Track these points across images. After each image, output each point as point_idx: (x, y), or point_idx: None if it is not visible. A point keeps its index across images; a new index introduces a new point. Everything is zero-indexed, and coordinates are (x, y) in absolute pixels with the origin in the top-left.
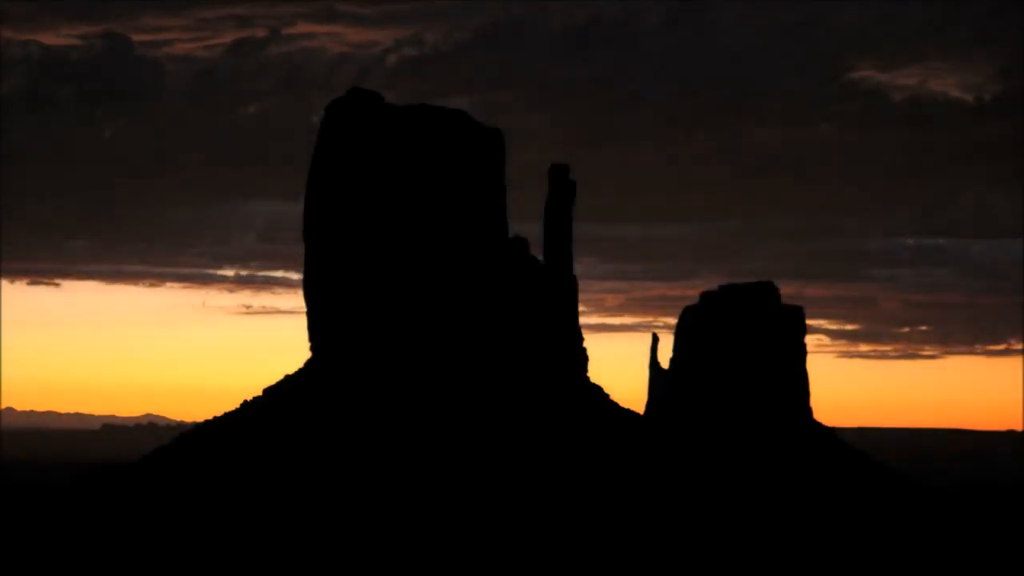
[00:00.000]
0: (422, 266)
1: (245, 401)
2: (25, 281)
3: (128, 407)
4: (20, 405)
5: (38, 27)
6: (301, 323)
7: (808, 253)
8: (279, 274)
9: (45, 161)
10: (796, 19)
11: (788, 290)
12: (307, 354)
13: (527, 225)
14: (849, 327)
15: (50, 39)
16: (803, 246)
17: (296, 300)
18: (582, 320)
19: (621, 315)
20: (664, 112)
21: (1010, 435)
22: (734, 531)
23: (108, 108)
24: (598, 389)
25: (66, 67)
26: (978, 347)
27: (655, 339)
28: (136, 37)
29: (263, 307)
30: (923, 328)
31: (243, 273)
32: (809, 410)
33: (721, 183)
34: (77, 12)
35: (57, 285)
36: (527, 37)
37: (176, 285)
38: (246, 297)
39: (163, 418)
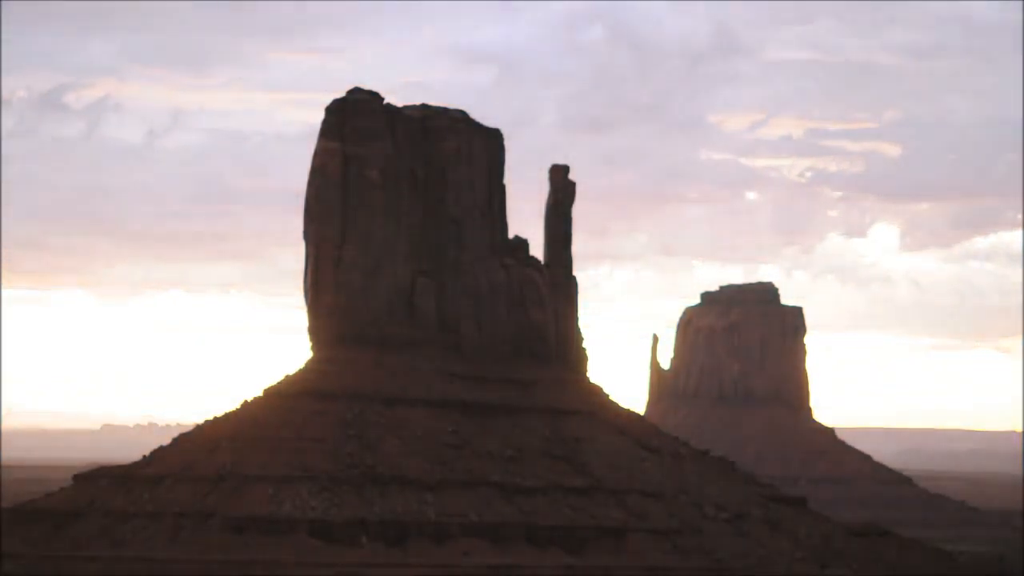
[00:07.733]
0: (422, 265)
1: (245, 401)
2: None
3: (128, 407)
4: (20, 405)
5: None
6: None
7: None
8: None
9: None
10: None
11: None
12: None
13: (527, 225)
14: (850, 324)
15: None
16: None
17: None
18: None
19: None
20: None
21: (1010, 435)
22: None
23: None
24: (599, 388)
25: None
26: (979, 347)
27: (655, 339)
28: None
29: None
30: (924, 328)
31: None
32: (809, 410)
33: None
34: None
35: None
36: None
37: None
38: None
39: (163, 418)
